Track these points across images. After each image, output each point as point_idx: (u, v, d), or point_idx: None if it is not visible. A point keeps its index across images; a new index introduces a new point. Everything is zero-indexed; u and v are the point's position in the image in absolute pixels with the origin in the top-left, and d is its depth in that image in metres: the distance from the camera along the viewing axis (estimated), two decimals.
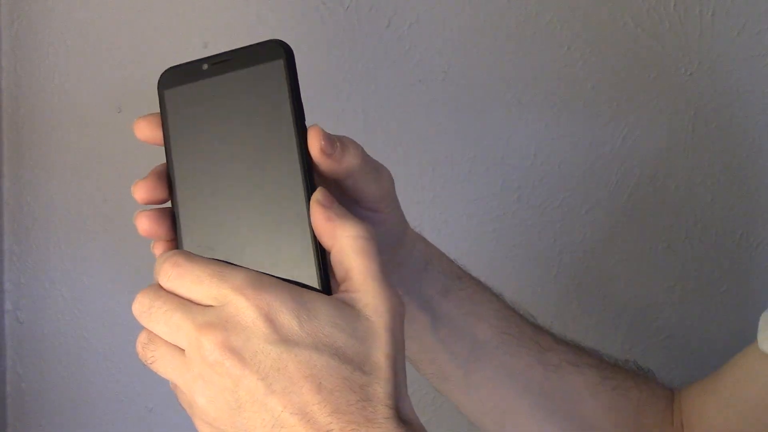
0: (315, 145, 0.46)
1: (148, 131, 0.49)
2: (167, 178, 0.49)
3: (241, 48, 0.49)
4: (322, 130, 0.47)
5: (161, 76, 0.49)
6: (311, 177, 0.47)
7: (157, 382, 0.92)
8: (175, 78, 0.49)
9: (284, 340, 0.42)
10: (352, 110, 0.82)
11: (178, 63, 0.50)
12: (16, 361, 0.85)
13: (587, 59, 0.83)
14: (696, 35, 0.83)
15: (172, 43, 0.82)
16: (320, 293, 0.45)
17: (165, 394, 0.86)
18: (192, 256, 0.46)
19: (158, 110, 0.49)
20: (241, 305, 0.43)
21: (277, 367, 0.42)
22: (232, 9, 0.81)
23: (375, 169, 0.51)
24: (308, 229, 0.46)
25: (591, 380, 0.64)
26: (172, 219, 0.49)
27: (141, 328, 0.49)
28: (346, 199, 0.51)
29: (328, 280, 0.45)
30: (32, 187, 0.82)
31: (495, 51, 0.82)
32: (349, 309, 0.44)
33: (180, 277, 0.45)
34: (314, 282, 0.45)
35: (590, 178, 0.86)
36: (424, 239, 0.60)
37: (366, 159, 0.50)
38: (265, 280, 0.44)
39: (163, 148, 0.49)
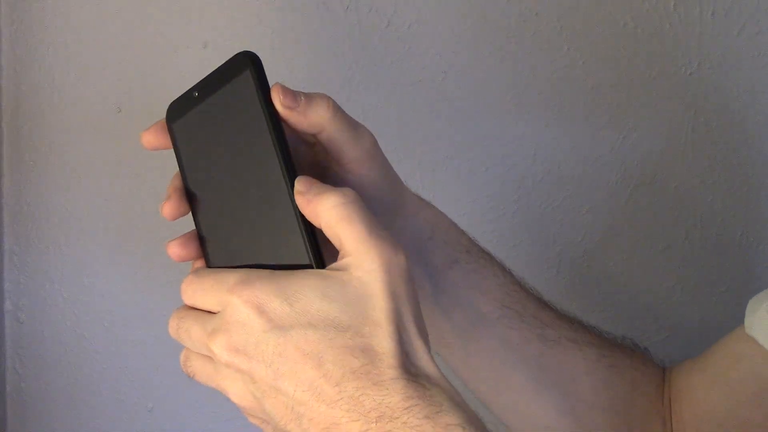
0: (277, 101, 0.48)
1: (154, 140, 0.52)
2: (188, 199, 0.52)
3: (217, 68, 0.51)
4: (283, 86, 0.49)
5: (167, 110, 0.53)
6: (291, 168, 0.48)
7: (157, 382, 0.92)
8: (177, 110, 0.52)
9: (278, 326, 0.44)
10: (352, 110, 0.82)
11: (178, 95, 0.52)
12: (16, 361, 0.85)
13: (587, 59, 0.83)
14: (696, 35, 0.83)
15: (172, 43, 0.82)
16: (310, 269, 0.46)
17: (165, 394, 0.86)
18: (200, 271, 0.49)
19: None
20: (236, 304, 0.45)
21: (279, 353, 0.44)
22: (232, 9, 0.81)
23: (352, 127, 0.52)
24: (293, 214, 0.48)
25: (589, 357, 0.64)
26: (199, 239, 0.52)
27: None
28: (329, 158, 0.52)
29: (320, 256, 0.47)
30: (32, 187, 0.82)
31: (495, 51, 0.82)
32: (338, 275, 0.45)
33: (193, 293, 0.48)
34: (307, 260, 0.47)
35: (590, 178, 0.86)
36: (431, 207, 0.60)
37: (338, 112, 0.51)
38: (254, 275, 0.46)
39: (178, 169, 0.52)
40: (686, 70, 0.84)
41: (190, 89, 0.52)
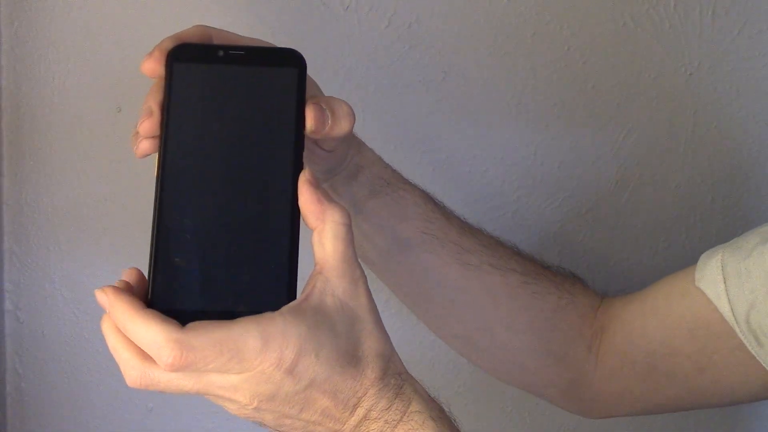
0: (309, 119, 0.51)
1: (156, 67, 0.52)
2: (158, 148, 0.51)
3: (260, 47, 0.53)
4: (316, 107, 0.52)
5: (174, 48, 0.52)
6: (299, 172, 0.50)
7: None
8: (187, 54, 0.51)
9: (304, 378, 0.49)
10: None
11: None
12: (16, 361, 0.85)
13: (587, 59, 0.83)
14: (696, 35, 0.83)
15: None
16: (309, 306, 0.49)
17: (165, 394, 0.86)
18: (194, 337, 0.47)
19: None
20: (267, 370, 0.48)
21: (304, 397, 0.49)
22: (232, 9, 0.81)
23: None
24: (289, 231, 0.49)
25: (511, 283, 0.70)
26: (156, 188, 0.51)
27: None
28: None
29: (296, 286, 0.50)
30: (32, 187, 0.82)
31: (495, 51, 0.82)
32: (331, 309, 0.49)
33: (194, 362, 0.47)
34: (284, 286, 0.49)
35: (590, 178, 0.86)
36: (359, 148, 0.65)
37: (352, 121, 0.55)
38: (273, 335, 0.48)
39: (160, 115, 0.51)
40: (686, 70, 0.84)
41: (214, 45, 0.52)
